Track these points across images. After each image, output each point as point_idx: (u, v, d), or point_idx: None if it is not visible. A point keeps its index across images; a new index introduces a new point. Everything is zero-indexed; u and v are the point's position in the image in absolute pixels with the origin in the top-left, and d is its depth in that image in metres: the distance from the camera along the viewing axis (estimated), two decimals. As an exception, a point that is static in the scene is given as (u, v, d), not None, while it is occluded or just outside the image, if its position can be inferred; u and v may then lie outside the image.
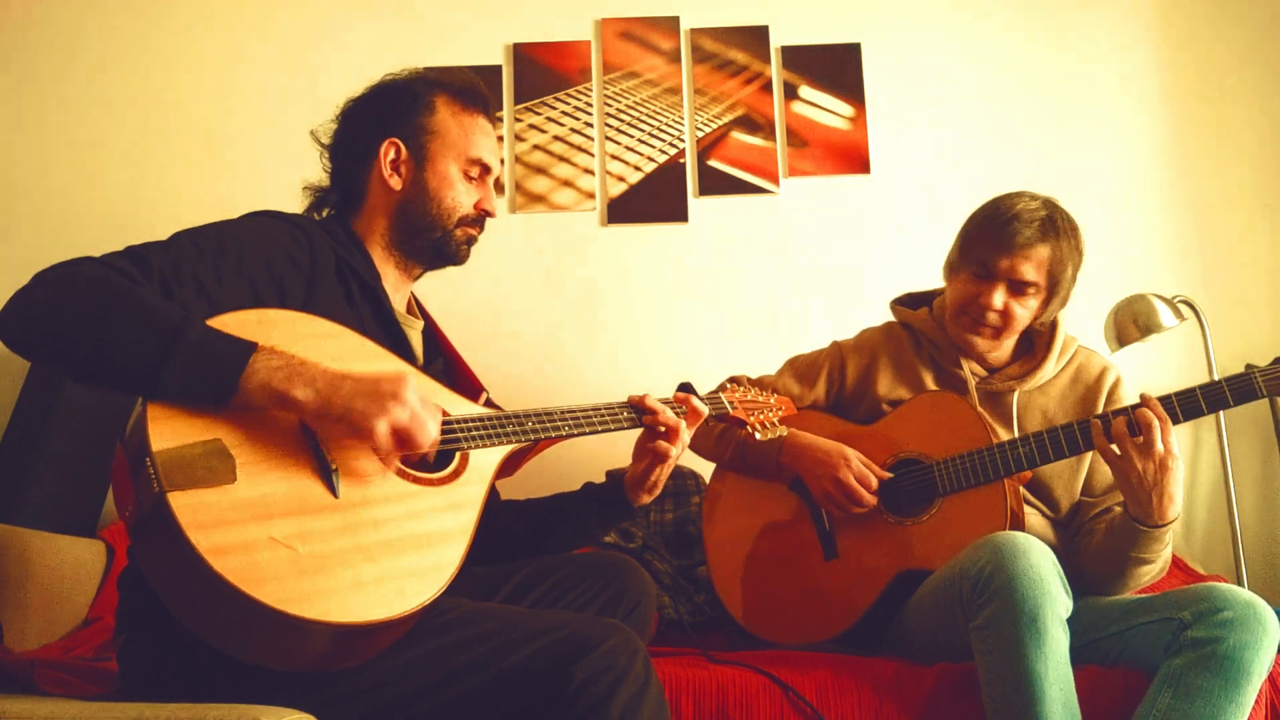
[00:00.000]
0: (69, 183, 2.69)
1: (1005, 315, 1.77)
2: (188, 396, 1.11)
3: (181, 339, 1.10)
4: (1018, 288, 1.75)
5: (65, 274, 1.14)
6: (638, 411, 1.51)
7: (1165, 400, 1.63)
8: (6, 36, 2.73)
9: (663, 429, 1.50)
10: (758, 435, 1.63)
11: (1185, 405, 1.63)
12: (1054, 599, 1.45)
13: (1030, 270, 1.74)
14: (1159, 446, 1.58)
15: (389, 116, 1.50)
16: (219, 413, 1.12)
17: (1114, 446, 1.61)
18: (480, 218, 1.54)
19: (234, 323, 1.17)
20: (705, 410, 1.56)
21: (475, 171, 1.52)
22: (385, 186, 1.49)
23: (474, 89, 1.54)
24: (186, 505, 1.04)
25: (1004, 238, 1.73)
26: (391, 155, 1.49)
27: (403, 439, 1.17)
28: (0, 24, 2.73)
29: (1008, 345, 1.86)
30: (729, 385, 1.69)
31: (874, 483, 1.79)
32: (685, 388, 1.61)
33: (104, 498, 2.30)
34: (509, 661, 1.19)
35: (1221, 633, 1.43)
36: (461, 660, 1.20)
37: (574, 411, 1.44)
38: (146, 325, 1.11)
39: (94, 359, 1.11)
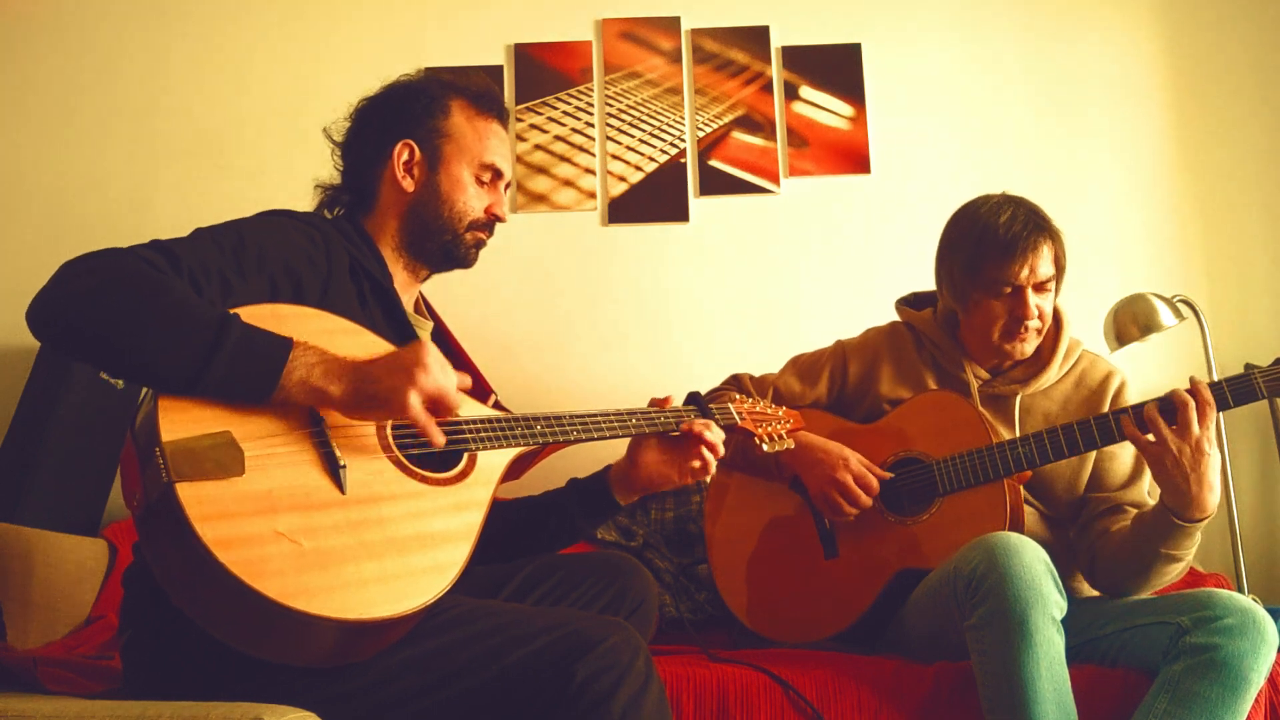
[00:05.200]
0: (71, 183, 2.68)
1: (1041, 315, 1.78)
2: (226, 394, 1.12)
3: (225, 337, 1.10)
4: (1040, 287, 1.76)
5: (102, 265, 1.12)
6: (687, 420, 1.50)
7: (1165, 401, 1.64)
8: (8, 35, 2.73)
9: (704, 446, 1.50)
10: (765, 447, 1.63)
11: (1185, 406, 1.63)
12: (1046, 599, 1.45)
13: (1046, 266, 1.75)
14: (1195, 429, 1.56)
15: (404, 118, 1.50)
16: (230, 405, 1.12)
17: (1149, 436, 1.60)
18: (490, 222, 1.54)
19: (245, 316, 1.16)
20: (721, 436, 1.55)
21: (487, 176, 1.53)
22: (397, 187, 1.49)
23: (489, 94, 1.55)
24: (193, 496, 1.05)
25: (1010, 249, 1.72)
26: (405, 156, 1.49)
27: (435, 405, 1.19)
28: (2, 23, 2.73)
29: None
30: (736, 396, 1.69)
31: (874, 484, 1.78)
32: (693, 398, 1.61)
33: (106, 497, 2.30)
34: (510, 659, 1.19)
35: (1220, 640, 1.44)
36: (463, 658, 1.20)
37: (583, 417, 1.43)
38: (189, 323, 1.11)
39: (133, 354, 1.10)
